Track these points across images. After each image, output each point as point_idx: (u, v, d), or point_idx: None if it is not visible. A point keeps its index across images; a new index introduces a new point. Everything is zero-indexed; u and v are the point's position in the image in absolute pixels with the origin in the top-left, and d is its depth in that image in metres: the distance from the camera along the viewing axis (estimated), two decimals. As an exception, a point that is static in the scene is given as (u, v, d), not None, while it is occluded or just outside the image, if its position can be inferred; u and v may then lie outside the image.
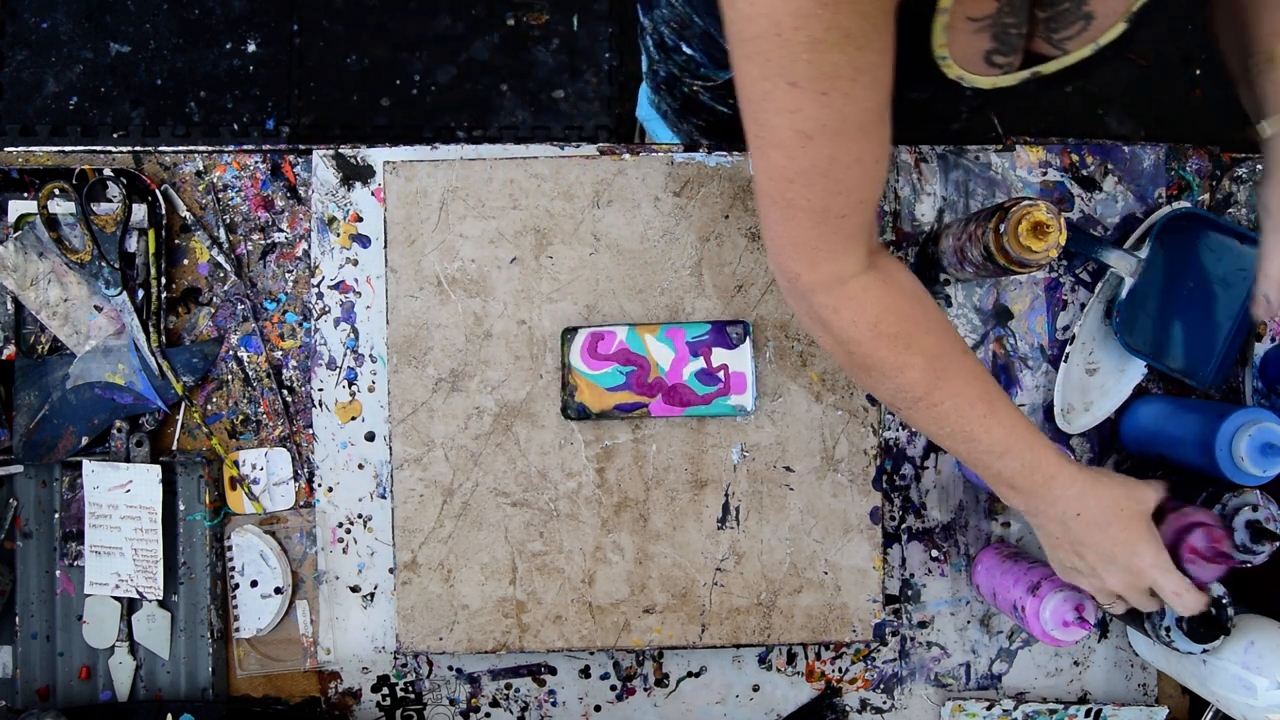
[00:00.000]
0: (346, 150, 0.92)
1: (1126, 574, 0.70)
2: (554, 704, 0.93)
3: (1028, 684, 0.94)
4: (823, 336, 0.67)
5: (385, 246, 0.90)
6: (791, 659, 0.94)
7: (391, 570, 0.91)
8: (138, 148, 0.93)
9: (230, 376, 0.93)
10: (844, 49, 0.52)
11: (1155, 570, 0.69)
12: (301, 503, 0.93)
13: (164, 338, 0.91)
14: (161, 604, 0.91)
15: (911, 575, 0.94)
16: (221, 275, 0.93)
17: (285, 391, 0.93)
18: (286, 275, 0.93)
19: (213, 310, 0.93)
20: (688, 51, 0.90)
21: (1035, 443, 0.68)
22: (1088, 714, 0.92)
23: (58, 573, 0.91)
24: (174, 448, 0.92)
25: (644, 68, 1.05)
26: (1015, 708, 0.92)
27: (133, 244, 0.91)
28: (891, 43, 0.54)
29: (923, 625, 0.94)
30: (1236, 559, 0.75)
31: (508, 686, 0.93)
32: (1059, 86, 0.72)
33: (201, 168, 0.93)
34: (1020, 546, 0.93)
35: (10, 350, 0.91)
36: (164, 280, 0.91)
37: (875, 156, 0.59)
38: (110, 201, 0.90)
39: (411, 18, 1.89)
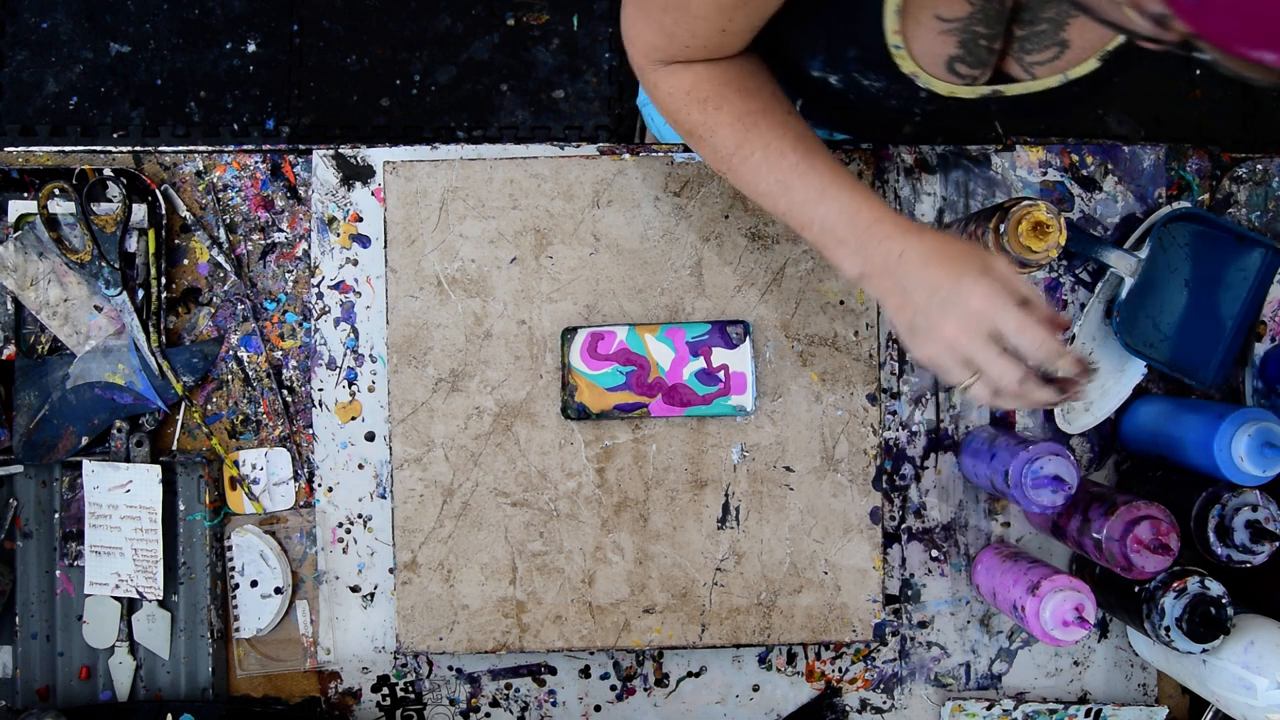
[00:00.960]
0: (346, 150, 0.92)
1: (962, 317, 0.61)
2: (554, 704, 0.93)
3: (1028, 684, 0.94)
4: (661, 113, 0.71)
5: (385, 246, 0.90)
6: (791, 659, 0.94)
7: (391, 570, 0.91)
8: (138, 148, 0.93)
9: (230, 376, 0.93)
10: None
11: (990, 307, 0.60)
12: (301, 503, 0.93)
13: (164, 338, 0.91)
14: (161, 604, 0.91)
15: (911, 575, 0.94)
16: (221, 275, 0.93)
17: (285, 391, 0.93)
18: (286, 275, 0.93)
19: (213, 310, 0.93)
20: None
21: (857, 190, 0.65)
22: (1088, 714, 0.92)
23: (58, 573, 0.91)
24: (174, 448, 0.92)
25: None
26: (1015, 708, 0.92)
27: (133, 244, 0.91)
28: None
29: (923, 625, 0.94)
30: (1175, 551, 0.78)
31: (508, 686, 0.93)
32: (1024, 117, 0.71)
33: (201, 168, 0.93)
34: (1020, 546, 0.93)
35: (10, 350, 0.91)
36: (164, 280, 0.91)
37: (722, 28, 0.63)
38: (110, 201, 0.90)
39: (411, 18, 1.89)
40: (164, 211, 0.91)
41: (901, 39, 0.62)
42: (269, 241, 0.93)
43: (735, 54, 0.69)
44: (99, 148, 0.93)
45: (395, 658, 0.93)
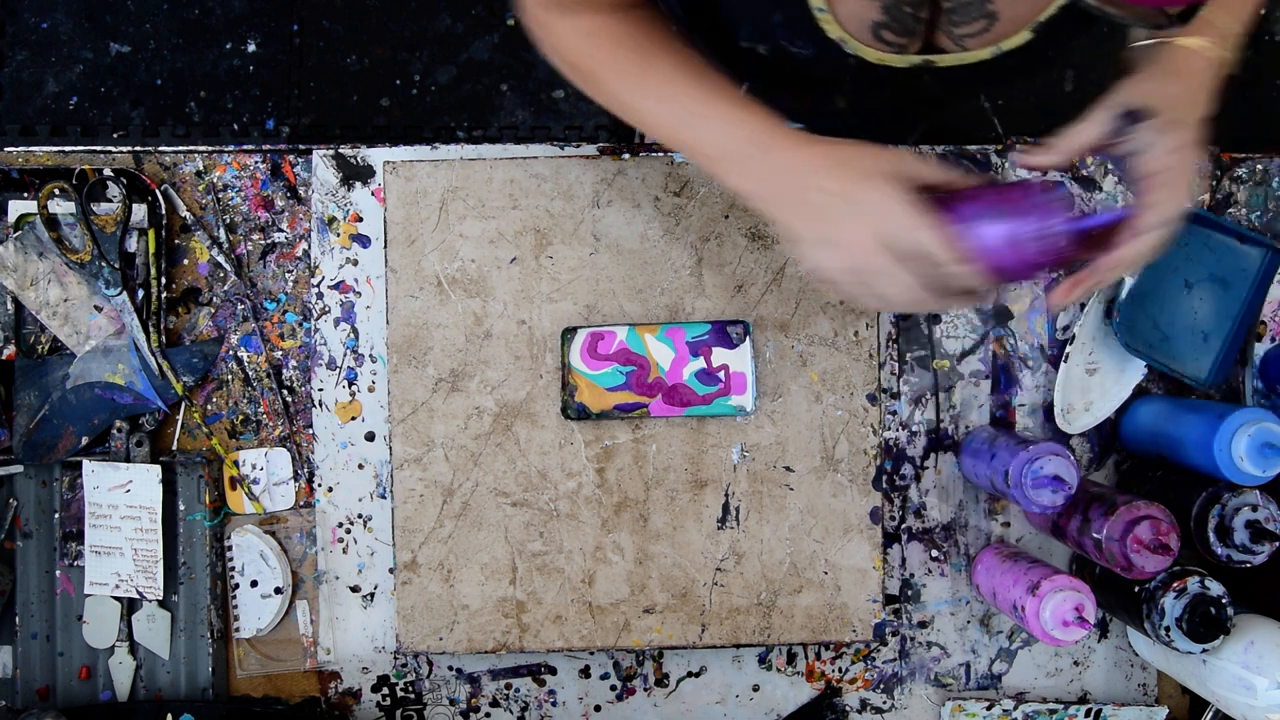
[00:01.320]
0: (346, 150, 0.92)
1: (869, 221, 0.58)
2: (554, 704, 0.93)
3: (1028, 684, 0.94)
4: (554, 59, 0.69)
5: (385, 246, 0.90)
6: (791, 659, 0.94)
7: (391, 570, 0.91)
8: (138, 148, 0.93)
9: (230, 376, 0.93)
10: None
11: (901, 213, 0.57)
12: (301, 503, 0.93)
13: (164, 338, 0.91)
14: (161, 604, 0.91)
15: (911, 575, 0.94)
16: (221, 275, 0.93)
17: (285, 391, 0.93)
18: (286, 275, 0.93)
19: (213, 310, 0.93)
20: None
21: (760, 113, 0.64)
22: (1088, 714, 0.92)
23: (58, 573, 0.91)
24: (174, 448, 0.92)
25: None
26: (1015, 708, 0.92)
27: (133, 244, 0.91)
28: None
29: (923, 625, 0.94)
30: (1175, 551, 0.78)
31: (508, 686, 0.93)
32: (964, 92, 0.70)
33: (201, 168, 0.93)
34: (1020, 546, 0.93)
35: (10, 350, 0.91)
36: (164, 280, 0.91)
37: None
38: (110, 201, 0.90)
39: (411, 18, 1.89)
40: (164, 211, 0.91)
41: (825, 2, 0.62)
42: (269, 241, 0.93)
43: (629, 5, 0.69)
44: (99, 148, 0.93)
45: (395, 658, 0.93)
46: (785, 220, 0.62)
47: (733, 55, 0.69)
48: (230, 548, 0.91)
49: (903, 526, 0.94)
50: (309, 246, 0.93)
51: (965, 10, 0.62)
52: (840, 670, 0.94)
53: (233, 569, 0.91)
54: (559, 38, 0.68)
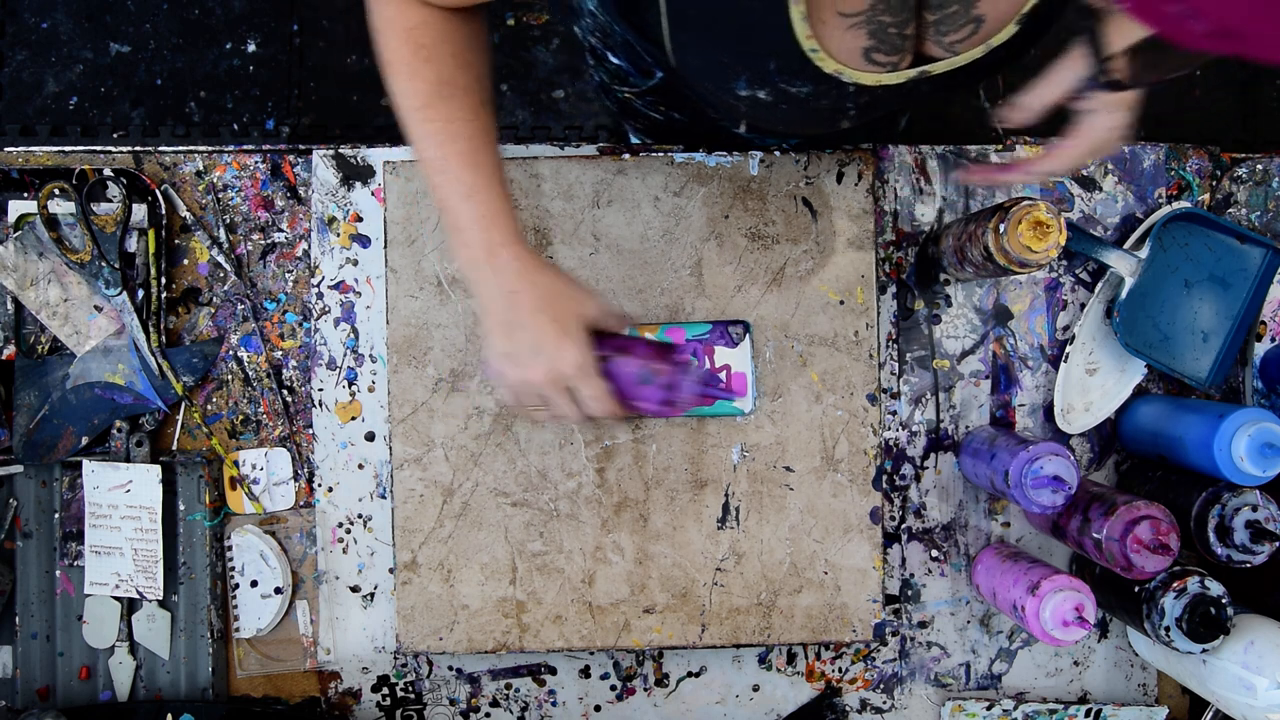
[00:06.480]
0: (346, 150, 0.92)
1: (550, 369, 0.70)
2: (554, 704, 0.93)
3: (1028, 684, 0.94)
4: (373, 29, 0.70)
5: (385, 246, 0.90)
6: (791, 659, 0.94)
7: (391, 570, 0.91)
8: (138, 148, 0.93)
9: (230, 376, 0.93)
10: None
11: (576, 372, 0.70)
12: (301, 503, 0.93)
13: (164, 338, 0.91)
14: (161, 604, 0.91)
15: (911, 575, 0.94)
16: (221, 275, 0.93)
17: (285, 391, 0.93)
18: (286, 275, 0.93)
19: (213, 310, 0.93)
20: (614, 61, 0.89)
21: (503, 208, 0.70)
22: (1088, 714, 0.92)
23: (58, 573, 0.91)
24: (174, 448, 0.92)
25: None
26: (1015, 708, 0.92)
27: (133, 244, 0.91)
28: None
29: (923, 625, 0.94)
30: (1175, 551, 0.78)
31: (508, 686, 0.93)
32: (959, 88, 0.71)
33: (201, 168, 0.93)
34: (1020, 546, 0.93)
35: (10, 350, 0.91)
36: (164, 280, 0.91)
37: None
38: (110, 201, 0.90)
39: (411, 18, 1.88)
40: (164, 211, 0.91)
41: (816, 42, 0.62)
42: (269, 241, 0.93)
43: (470, 11, 0.70)
44: (99, 148, 0.93)
45: (395, 658, 0.93)
46: (487, 323, 0.71)
47: (735, 105, 0.70)
48: (230, 548, 0.91)
49: (903, 526, 0.94)
50: (309, 246, 0.93)
51: (951, 19, 0.63)
52: (840, 670, 0.94)
53: (233, 569, 0.91)
54: (385, 17, 0.69)
